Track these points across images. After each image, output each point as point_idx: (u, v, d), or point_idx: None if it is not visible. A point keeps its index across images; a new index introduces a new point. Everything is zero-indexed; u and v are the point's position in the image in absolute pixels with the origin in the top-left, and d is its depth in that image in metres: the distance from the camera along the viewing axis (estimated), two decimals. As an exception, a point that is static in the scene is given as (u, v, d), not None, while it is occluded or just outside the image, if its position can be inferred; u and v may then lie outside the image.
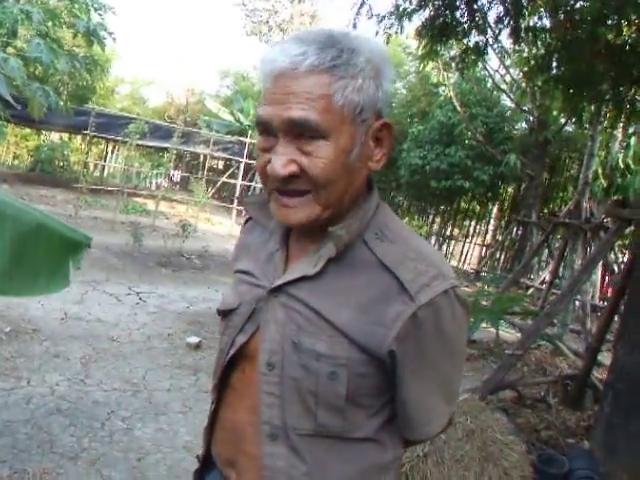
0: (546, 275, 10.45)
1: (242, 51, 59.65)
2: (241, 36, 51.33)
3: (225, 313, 1.11)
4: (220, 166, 22.61)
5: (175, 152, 15.75)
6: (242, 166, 17.38)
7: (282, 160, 0.90)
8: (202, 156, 19.91)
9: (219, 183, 17.17)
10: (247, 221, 1.21)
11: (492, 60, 14.89)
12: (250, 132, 17.48)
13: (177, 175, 23.42)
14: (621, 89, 4.71)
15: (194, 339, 5.45)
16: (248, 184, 18.76)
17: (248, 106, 19.32)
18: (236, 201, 16.58)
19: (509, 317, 7.20)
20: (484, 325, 6.07)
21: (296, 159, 0.90)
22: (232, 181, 17.89)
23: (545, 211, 14.94)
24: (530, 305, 8.76)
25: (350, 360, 0.94)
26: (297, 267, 1.00)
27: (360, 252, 0.98)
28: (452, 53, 6.10)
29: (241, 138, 17.78)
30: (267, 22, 21.76)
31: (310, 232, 1.02)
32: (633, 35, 4.34)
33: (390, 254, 0.96)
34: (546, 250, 10.31)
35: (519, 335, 7.51)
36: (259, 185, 19.51)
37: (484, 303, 6.87)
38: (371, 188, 1.07)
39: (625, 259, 10.33)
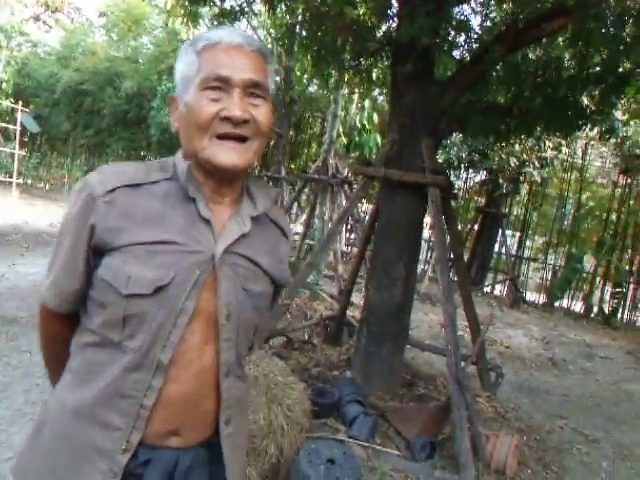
0: (297, 227, 11.29)
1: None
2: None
3: (157, 289, 1.10)
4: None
5: None
6: (17, 134, 15.10)
7: (241, 107, 1.13)
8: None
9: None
10: (112, 190, 1.13)
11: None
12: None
13: None
14: (361, 60, 5.31)
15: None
16: (24, 154, 16.33)
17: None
18: (16, 173, 14.33)
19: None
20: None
21: (248, 109, 1.15)
22: (6, 150, 15.39)
23: (292, 167, 15.93)
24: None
25: (270, 292, 1.30)
26: (230, 229, 1.20)
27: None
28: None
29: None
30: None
31: (226, 195, 1.23)
32: (369, 14, 4.92)
33: (270, 210, 1.32)
34: (295, 204, 11.11)
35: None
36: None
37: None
38: None
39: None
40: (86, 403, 1.14)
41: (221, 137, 1.13)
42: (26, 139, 19.90)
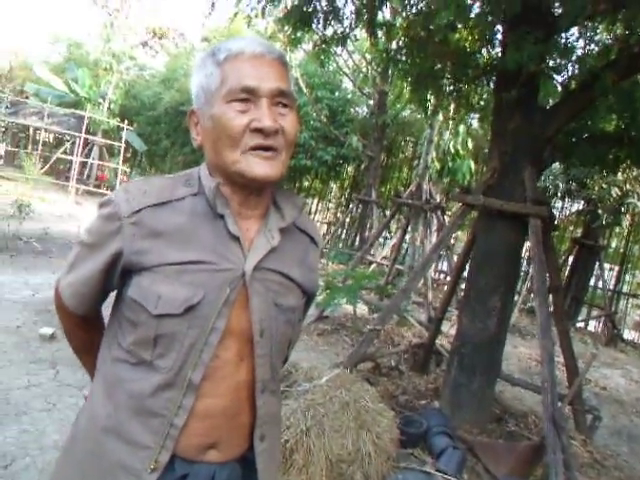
0: (386, 251, 11.20)
1: (75, 16, 54.80)
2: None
3: (187, 309, 1.10)
4: (51, 140, 20.86)
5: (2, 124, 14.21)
6: (80, 141, 16.18)
7: (271, 117, 1.11)
8: (31, 129, 18.24)
9: (53, 159, 15.77)
10: (139, 211, 1.12)
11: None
12: (88, 106, 16.31)
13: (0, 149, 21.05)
14: (460, 85, 5.25)
15: (47, 330, 5.06)
16: (84, 160, 17.56)
17: (83, 76, 17.93)
18: (74, 179, 15.41)
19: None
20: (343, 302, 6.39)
21: (277, 119, 1.12)
22: (67, 157, 16.55)
23: (383, 190, 15.92)
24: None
25: (302, 305, 1.29)
26: (259, 244, 1.18)
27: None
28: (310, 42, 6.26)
29: (77, 111, 16.49)
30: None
31: (254, 209, 1.20)
32: (471, 41, 4.87)
33: (299, 219, 1.28)
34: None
35: (365, 308, 8.05)
36: (97, 162, 18.42)
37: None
38: None
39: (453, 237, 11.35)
40: (116, 420, 1.14)
41: (252, 149, 1.11)
42: (128, 155, 21.11)
